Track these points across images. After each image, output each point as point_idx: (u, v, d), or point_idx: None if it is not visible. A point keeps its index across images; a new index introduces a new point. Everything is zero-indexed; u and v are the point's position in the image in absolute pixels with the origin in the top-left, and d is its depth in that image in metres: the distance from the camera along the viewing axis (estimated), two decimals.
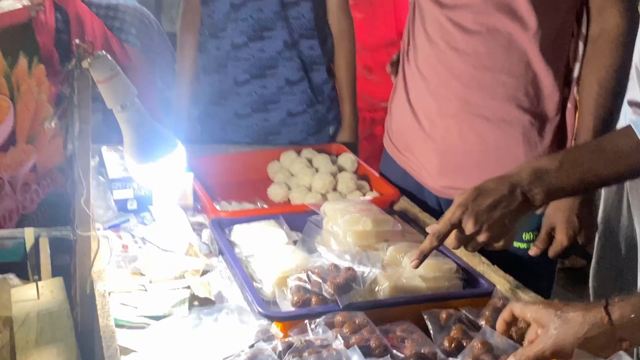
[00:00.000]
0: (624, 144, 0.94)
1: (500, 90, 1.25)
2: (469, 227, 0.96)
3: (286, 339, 0.88)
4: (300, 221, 1.28)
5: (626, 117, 1.28)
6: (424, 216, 1.35)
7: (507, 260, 1.19)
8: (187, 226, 1.33)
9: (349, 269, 1.03)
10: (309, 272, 1.03)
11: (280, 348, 0.85)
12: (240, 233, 1.24)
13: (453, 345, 0.95)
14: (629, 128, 0.95)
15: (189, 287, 1.10)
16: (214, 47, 1.71)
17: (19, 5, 1.43)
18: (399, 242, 1.18)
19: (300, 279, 1.02)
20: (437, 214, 1.37)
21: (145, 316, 1.03)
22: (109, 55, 0.91)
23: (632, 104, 1.29)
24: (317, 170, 1.52)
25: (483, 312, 1.03)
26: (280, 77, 1.67)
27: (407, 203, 1.40)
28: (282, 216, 1.29)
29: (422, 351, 0.92)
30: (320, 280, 1.00)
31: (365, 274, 1.04)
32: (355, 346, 0.87)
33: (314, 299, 1.00)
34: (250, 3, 1.63)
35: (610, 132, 1.07)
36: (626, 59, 1.18)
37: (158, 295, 1.08)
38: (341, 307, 0.97)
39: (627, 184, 1.40)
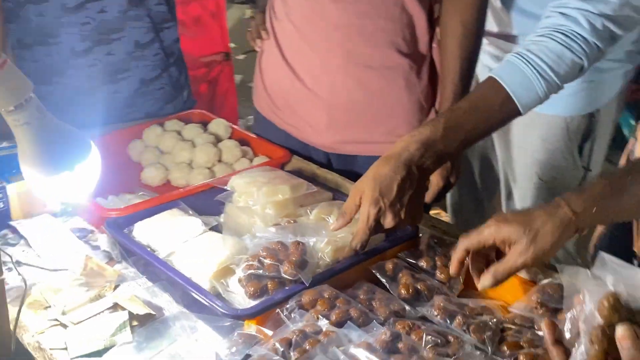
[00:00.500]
0: (495, 100, 1.01)
1: (381, 37, 1.25)
2: (389, 222, 0.98)
3: (279, 336, 0.81)
4: (204, 203, 1.17)
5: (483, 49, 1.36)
6: (322, 172, 1.32)
7: None
8: (71, 236, 1.13)
9: (298, 243, 0.97)
10: (260, 257, 0.95)
11: (281, 348, 0.79)
12: (144, 231, 1.09)
13: (410, 291, 0.97)
14: (495, 81, 1.01)
15: (116, 307, 0.95)
16: (35, 13, 1.36)
17: None
18: (314, 204, 1.15)
19: (251, 267, 0.94)
20: (330, 168, 1.37)
21: (82, 356, 0.86)
22: None
23: (486, 34, 1.39)
24: (194, 144, 1.38)
25: (419, 252, 1.06)
26: (128, 40, 1.44)
27: (300, 162, 1.36)
28: (181, 201, 1.16)
29: (394, 309, 0.93)
30: (277, 263, 0.93)
31: (312, 244, 1.00)
32: (349, 322, 0.84)
33: (270, 285, 0.93)
34: None
35: (478, 86, 1.12)
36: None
37: (85, 326, 0.91)
38: (307, 284, 0.92)
39: None
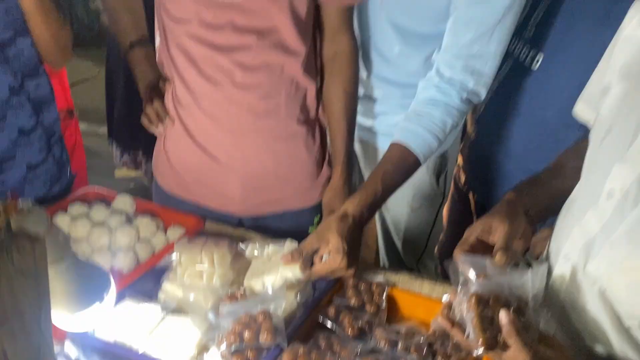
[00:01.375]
0: (409, 160, 1.36)
1: (283, 111, 1.43)
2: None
3: None
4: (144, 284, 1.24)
5: None
6: (237, 232, 1.46)
7: None
8: None
9: (265, 312, 1.12)
10: (241, 334, 1.07)
11: None
12: (106, 329, 1.13)
13: (355, 329, 1.19)
14: (404, 147, 1.35)
15: None
16: None
17: None
18: (243, 260, 1.32)
19: (233, 342, 1.07)
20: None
21: None
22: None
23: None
24: (105, 225, 1.40)
25: (346, 292, 1.29)
26: (12, 127, 1.39)
27: (214, 225, 1.48)
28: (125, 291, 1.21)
29: (351, 349, 1.13)
30: (255, 336, 1.07)
31: (273, 309, 1.15)
32: None
33: (250, 354, 1.07)
34: None
35: (392, 150, 1.38)
36: (358, 68, 1.50)
37: None
38: (287, 345, 1.08)
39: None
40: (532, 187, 1.18)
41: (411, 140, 1.35)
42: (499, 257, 1.03)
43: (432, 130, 1.36)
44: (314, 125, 1.51)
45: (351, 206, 1.26)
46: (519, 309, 0.93)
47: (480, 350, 0.91)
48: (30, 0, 1.32)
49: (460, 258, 1.00)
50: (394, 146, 1.36)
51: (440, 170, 1.71)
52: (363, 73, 1.58)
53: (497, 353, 0.92)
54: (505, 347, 0.90)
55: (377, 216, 1.86)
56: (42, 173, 1.50)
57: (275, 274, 1.23)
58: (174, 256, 1.27)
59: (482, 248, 1.08)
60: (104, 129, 3.32)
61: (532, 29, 1.47)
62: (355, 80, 1.48)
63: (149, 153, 3.08)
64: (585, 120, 1.15)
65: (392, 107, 1.61)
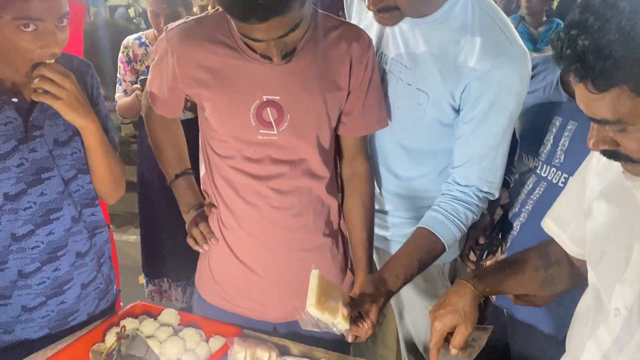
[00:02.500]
0: (435, 247, 1.55)
1: (312, 227, 1.61)
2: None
3: None
4: None
5: None
6: (270, 338, 1.57)
7: None
8: None
9: None
10: None
11: None
12: None
13: None
14: (429, 232, 1.55)
15: None
16: None
17: None
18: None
19: None
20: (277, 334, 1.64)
21: None
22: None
23: None
24: (155, 339, 1.51)
25: None
26: (71, 253, 1.55)
27: (250, 333, 1.59)
28: None
29: None
30: None
31: None
32: None
33: None
34: (31, 190, 1.46)
35: (418, 234, 1.58)
36: (374, 186, 1.70)
37: None
38: None
39: None
40: (495, 275, 1.38)
41: (439, 228, 1.54)
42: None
43: (456, 222, 1.56)
44: (337, 236, 1.68)
45: (392, 279, 1.47)
46: None
47: None
48: (94, 139, 1.51)
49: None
50: (422, 231, 1.56)
51: (455, 275, 1.84)
52: (375, 189, 1.75)
53: None
54: None
55: (397, 318, 1.97)
56: (92, 291, 1.64)
57: None
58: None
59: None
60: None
61: (561, 155, 1.64)
62: (372, 197, 1.67)
63: (176, 280, 3.32)
64: (552, 234, 1.35)
65: (404, 219, 1.78)
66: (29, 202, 1.47)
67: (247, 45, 1.41)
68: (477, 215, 1.61)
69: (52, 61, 1.39)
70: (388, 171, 1.78)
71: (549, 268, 1.34)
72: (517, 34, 1.57)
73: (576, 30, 0.91)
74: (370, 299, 1.43)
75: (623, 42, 0.88)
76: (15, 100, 1.44)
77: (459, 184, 1.59)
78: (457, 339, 1.29)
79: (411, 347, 1.98)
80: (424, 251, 1.52)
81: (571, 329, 1.24)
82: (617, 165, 1.07)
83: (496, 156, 1.57)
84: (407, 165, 1.73)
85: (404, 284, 1.49)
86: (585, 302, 1.20)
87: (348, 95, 1.54)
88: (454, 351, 1.30)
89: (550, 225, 1.35)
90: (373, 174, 1.69)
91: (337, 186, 1.67)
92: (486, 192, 1.61)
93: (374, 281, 1.48)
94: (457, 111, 1.58)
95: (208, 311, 1.69)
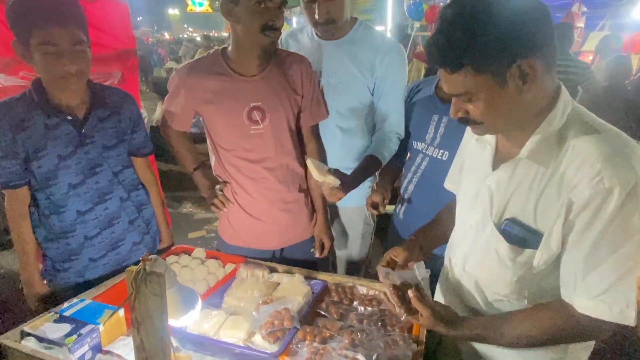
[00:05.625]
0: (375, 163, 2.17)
1: (291, 188, 2.27)
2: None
3: (304, 356, 1.59)
4: (213, 300, 1.90)
5: None
6: (268, 264, 2.12)
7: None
8: None
9: (286, 308, 1.76)
10: (273, 322, 1.71)
11: (312, 356, 1.57)
12: (192, 326, 1.78)
13: (338, 314, 1.81)
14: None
15: None
16: (57, 220, 1.98)
17: None
18: (272, 282, 1.97)
19: (269, 327, 1.70)
20: (274, 259, 2.24)
21: None
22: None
23: None
24: (188, 267, 2.09)
25: (329, 292, 1.93)
26: (123, 222, 2.13)
27: (252, 261, 2.14)
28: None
29: (337, 327, 1.74)
30: (281, 322, 1.71)
31: (290, 307, 1.78)
32: (330, 340, 1.65)
33: (279, 334, 1.70)
34: (88, 180, 1.99)
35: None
36: (323, 160, 2.34)
37: None
38: (299, 327, 1.71)
39: None
40: (425, 232, 1.81)
41: (379, 152, 2.31)
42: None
43: (387, 148, 2.33)
44: (307, 192, 2.31)
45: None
46: (417, 288, 1.53)
47: (403, 316, 1.49)
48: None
49: (380, 269, 1.63)
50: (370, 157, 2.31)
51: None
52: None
53: (414, 317, 1.49)
54: (416, 312, 1.48)
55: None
56: (143, 247, 2.22)
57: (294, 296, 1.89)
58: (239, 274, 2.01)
59: (392, 263, 1.70)
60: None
61: (438, 139, 2.20)
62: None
63: None
64: (450, 189, 1.84)
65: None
66: (87, 188, 2.00)
67: (237, 73, 2.06)
68: (395, 148, 2.35)
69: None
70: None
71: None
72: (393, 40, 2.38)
73: (437, 35, 1.25)
74: None
75: (465, 38, 1.19)
76: (69, 118, 1.92)
77: (383, 130, 2.35)
78: (399, 257, 1.67)
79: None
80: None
81: (448, 245, 1.75)
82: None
83: (402, 110, 2.33)
84: (341, 137, 2.41)
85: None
86: (456, 228, 1.69)
87: (302, 98, 2.14)
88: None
89: (447, 184, 1.86)
90: (320, 151, 2.28)
91: (303, 162, 2.26)
92: (398, 133, 2.35)
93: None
94: (372, 93, 2.34)
95: (227, 248, 2.32)
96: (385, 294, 1.58)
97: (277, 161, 2.15)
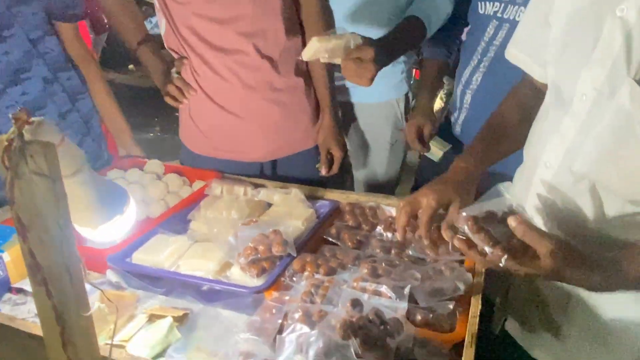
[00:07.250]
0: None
1: (283, 69, 1.54)
2: None
3: (299, 292, 1.03)
4: (174, 225, 1.32)
5: None
6: (251, 180, 1.54)
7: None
8: None
9: (276, 231, 1.18)
10: (256, 247, 1.14)
11: (306, 298, 1.01)
12: (142, 257, 1.20)
13: (354, 242, 1.25)
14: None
15: (152, 319, 1.07)
16: None
17: None
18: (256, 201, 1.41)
19: (249, 254, 1.13)
20: (261, 174, 1.62)
21: None
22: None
23: None
24: (139, 183, 1.49)
25: (344, 216, 1.37)
26: (51, 113, 1.51)
27: (230, 176, 1.55)
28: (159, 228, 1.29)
29: (353, 256, 1.19)
30: (268, 248, 1.14)
31: (283, 229, 1.21)
32: (338, 270, 1.09)
33: (265, 264, 1.14)
34: None
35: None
36: (329, 24, 1.56)
37: (137, 340, 1.01)
38: (295, 255, 1.14)
39: None
40: (484, 153, 1.16)
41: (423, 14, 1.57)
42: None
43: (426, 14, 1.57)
44: (308, 78, 1.60)
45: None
46: (504, 219, 0.91)
47: (503, 261, 0.85)
48: None
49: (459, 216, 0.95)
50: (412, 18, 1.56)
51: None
52: None
53: (521, 261, 0.85)
54: (524, 251, 0.85)
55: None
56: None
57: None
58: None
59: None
60: None
61: None
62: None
63: None
64: (519, 62, 1.18)
65: None
66: None
67: None
68: (448, 10, 1.66)
69: None
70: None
71: (528, 118, 1.15)
72: None
73: None
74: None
75: None
76: None
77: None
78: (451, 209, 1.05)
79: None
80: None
81: (530, 134, 1.13)
82: None
83: None
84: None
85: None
86: (547, 104, 1.08)
87: None
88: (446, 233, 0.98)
89: (514, 53, 1.19)
90: (326, 12, 1.56)
91: (300, 31, 1.57)
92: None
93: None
94: None
95: (193, 161, 1.66)
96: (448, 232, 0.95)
97: (257, 23, 1.46)
